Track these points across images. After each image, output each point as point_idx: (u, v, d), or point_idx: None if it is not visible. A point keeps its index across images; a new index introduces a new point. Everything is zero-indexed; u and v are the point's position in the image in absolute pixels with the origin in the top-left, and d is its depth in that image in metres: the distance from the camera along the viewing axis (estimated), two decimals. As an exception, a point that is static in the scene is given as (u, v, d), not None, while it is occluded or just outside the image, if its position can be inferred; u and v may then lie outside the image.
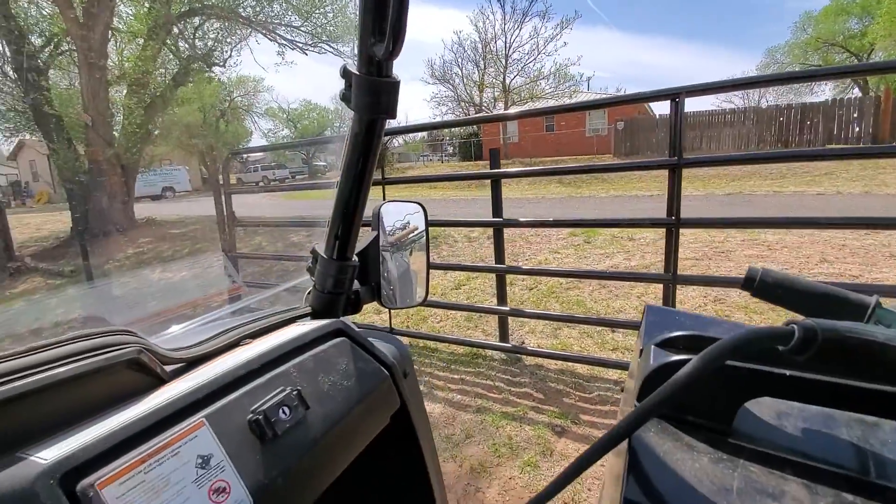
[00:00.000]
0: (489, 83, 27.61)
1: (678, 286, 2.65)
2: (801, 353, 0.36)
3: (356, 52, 0.55)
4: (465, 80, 28.27)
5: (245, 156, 33.22)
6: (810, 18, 25.59)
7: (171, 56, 11.89)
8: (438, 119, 26.10)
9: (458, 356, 3.36)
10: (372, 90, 0.57)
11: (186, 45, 11.83)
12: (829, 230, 5.07)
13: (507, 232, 6.42)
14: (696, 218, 2.58)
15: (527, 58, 26.56)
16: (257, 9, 11.70)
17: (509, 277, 4.62)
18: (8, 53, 9.81)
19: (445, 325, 3.94)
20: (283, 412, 0.50)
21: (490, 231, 6.61)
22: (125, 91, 10.72)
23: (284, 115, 38.38)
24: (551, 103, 23.69)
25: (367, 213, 0.78)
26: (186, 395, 0.46)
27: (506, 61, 26.55)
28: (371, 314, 4.29)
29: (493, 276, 4.86)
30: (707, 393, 0.50)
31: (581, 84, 26.44)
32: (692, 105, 19.58)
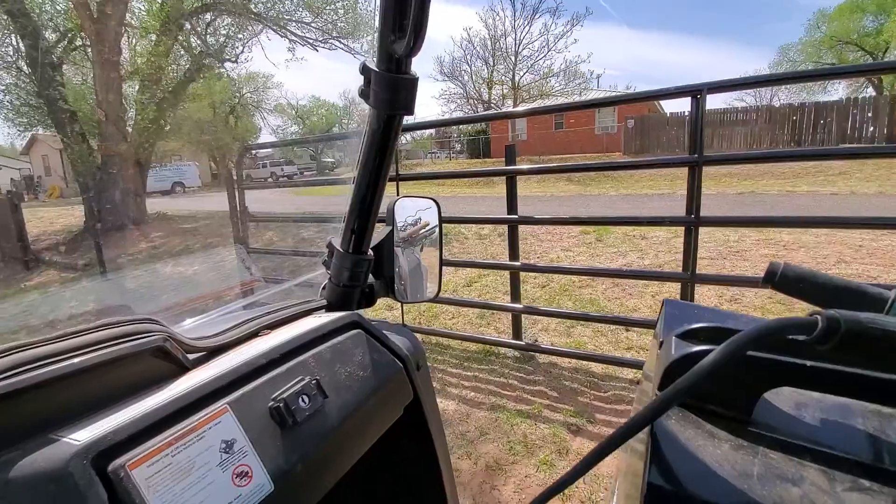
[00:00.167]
0: (498, 80, 27.52)
1: (695, 286, 2.62)
2: (823, 343, 0.37)
3: (375, 48, 0.56)
4: (473, 77, 28.21)
5: (254, 152, 33.40)
6: (824, 16, 25.22)
7: (183, 52, 11.95)
8: (447, 116, 26.05)
9: (471, 353, 3.35)
10: (391, 87, 0.57)
11: (198, 42, 11.89)
12: (844, 230, 5.01)
13: (519, 229, 6.41)
14: (715, 216, 2.56)
15: (537, 55, 26.46)
16: (268, 5, 11.73)
17: (521, 275, 4.61)
18: (23, 49, 9.91)
19: (458, 322, 3.93)
20: (303, 400, 0.51)
21: (500, 228, 6.62)
22: (138, 87, 10.80)
23: (293, 112, 38.53)
24: (561, 101, 23.59)
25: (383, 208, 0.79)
26: (210, 383, 0.47)
27: (515, 58, 26.46)
28: (382, 310, 4.30)
29: (505, 273, 4.86)
30: (728, 382, 0.51)
31: (591, 82, 26.28)
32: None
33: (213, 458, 0.42)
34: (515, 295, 3.26)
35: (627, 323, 3.24)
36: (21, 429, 0.39)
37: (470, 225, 6.88)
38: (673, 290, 3.89)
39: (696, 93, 2.38)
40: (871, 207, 7.50)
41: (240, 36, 12.38)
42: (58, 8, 10.57)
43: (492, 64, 27.27)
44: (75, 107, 9.94)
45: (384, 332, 0.73)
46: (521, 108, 21.18)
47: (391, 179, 3.56)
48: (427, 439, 0.78)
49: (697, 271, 2.53)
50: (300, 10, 11.94)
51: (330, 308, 0.79)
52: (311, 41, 12.29)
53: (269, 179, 26.78)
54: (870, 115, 15.72)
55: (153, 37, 10.54)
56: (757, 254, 4.85)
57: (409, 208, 0.90)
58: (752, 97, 33.76)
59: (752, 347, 0.38)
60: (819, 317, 0.37)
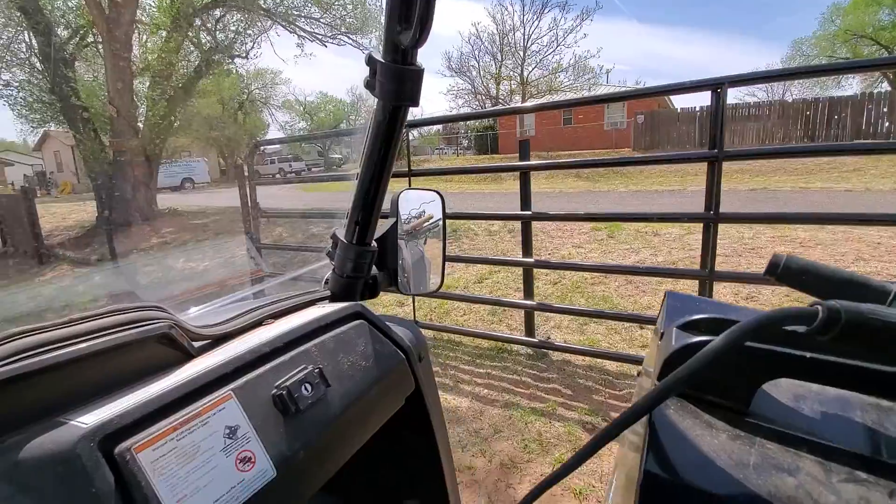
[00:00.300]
0: (506, 76, 27.36)
1: (713, 283, 2.57)
2: (824, 334, 0.37)
3: (381, 39, 0.56)
4: (481, 72, 28.06)
5: (262, 148, 33.50)
6: (839, 10, 24.80)
7: (193, 48, 11.99)
8: (455, 112, 25.96)
9: (484, 350, 3.33)
10: (396, 78, 0.57)
11: (208, 38, 11.91)
12: (861, 227, 4.92)
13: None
14: (735, 213, 2.51)
15: (545, 49, 26.27)
16: (277, 0, 11.72)
17: (533, 272, 4.57)
18: (35, 45, 9.99)
19: (469, 319, 3.91)
20: (306, 389, 0.52)
21: (510, 225, 6.58)
22: (149, 83, 10.85)
23: (301, 108, 38.62)
24: (569, 96, 23.42)
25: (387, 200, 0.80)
26: (215, 369, 0.47)
27: (524, 53, 26.28)
28: (393, 306, 4.29)
29: (516, 269, 4.84)
30: (727, 373, 0.51)
31: (600, 77, 26.06)
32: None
33: (216, 444, 0.42)
34: (528, 292, 3.24)
35: (642, 320, 3.20)
36: (29, 412, 0.39)
37: (479, 221, 6.84)
38: (690, 287, 3.83)
39: (717, 87, 2.33)
40: (887, 204, 7.38)
41: (249, 32, 12.39)
42: (70, 4, 10.65)
43: (500, 59, 27.13)
44: (87, 103, 10.01)
45: (387, 323, 0.73)
46: (529, 103, 21.06)
47: (403, 175, 3.56)
48: (428, 430, 0.78)
49: (700, 268, 2.48)
50: (309, 5, 11.94)
51: (333, 299, 0.79)
52: (319, 37, 12.29)
53: (277, 175, 26.87)
54: (885, 110, 15.43)
55: (163, 33, 10.59)
56: (773, 251, 4.76)
57: (414, 200, 0.90)
58: (763, 92, 33.29)
59: (752, 337, 0.38)
60: (820, 307, 0.37)
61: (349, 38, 12.29)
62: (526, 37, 26.18)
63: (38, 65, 10.30)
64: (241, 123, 30.38)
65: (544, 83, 26.15)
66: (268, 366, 0.51)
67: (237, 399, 0.46)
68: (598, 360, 3.00)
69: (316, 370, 0.54)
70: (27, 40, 10.27)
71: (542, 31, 29.23)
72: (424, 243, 0.93)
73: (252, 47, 12.73)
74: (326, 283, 0.82)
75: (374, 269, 0.83)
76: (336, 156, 36.77)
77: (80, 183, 26.96)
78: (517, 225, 6.49)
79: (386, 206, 0.81)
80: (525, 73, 26.62)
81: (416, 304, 3.81)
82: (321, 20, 12.04)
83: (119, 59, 9.37)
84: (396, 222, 0.85)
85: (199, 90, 12.23)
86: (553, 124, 24.69)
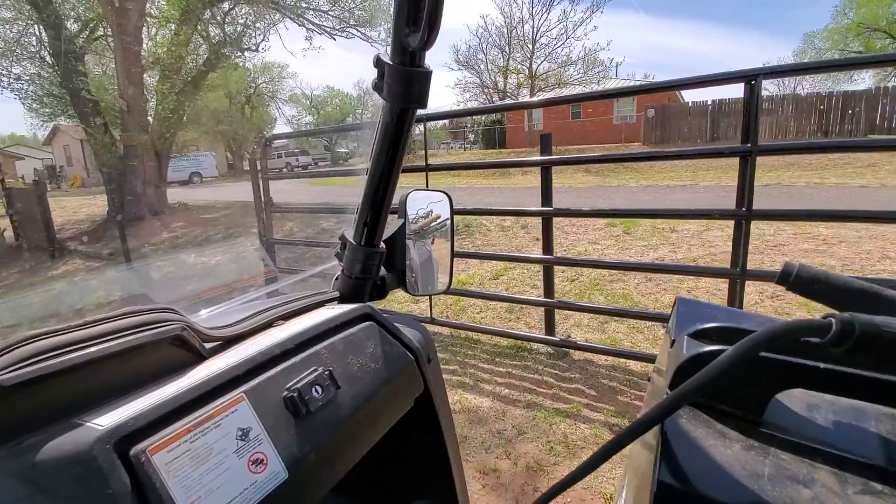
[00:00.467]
0: (514, 69, 27.13)
1: (745, 282, 2.50)
2: (837, 346, 0.37)
3: (389, 41, 0.56)
4: (489, 66, 27.84)
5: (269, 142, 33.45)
6: (852, 3, 24.38)
7: (202, 41, 11.94)
8: (462, 106, 25.79)
9: (502, 348, 3.28)
10: (404, 80, 0.57)
11: (217, 31, 11.86)
12: (885, 224, 4.80)
13: (541, 222, 6.29)
14: (770, 210, 2.43)
15: (555, 42, 25.97)
16: (286, -7, 11.64)
17: (544, 269, 4.50)
18: (46, 39, 9.98)
19: (486, 317, 3.86)
20: (316, 391, 0.52)
21: (523, 220, 6.51)
22: (158, 76, 10.83)
23: (308, 102, 38.57)
24: (579, 90, 23.18)
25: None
26: (227, 371, 0.47)
27: (533, 46, 26.00)
28: (408, 303, 4.24)
29: (531, 266, 4.78)
30: (740, 383, 0.51)
31: (610, 70, 25.78)
32: (724, 92, 18.86)
33: (229, 445, 0.42)
34: (549, 289, 3.17)
35: (665, 319, 3.13)
36: (46, 413, 0.40)
37: (492, 216, 6.78)
38: (712, 285, 3.76)
39: (751, 78, 2.24)
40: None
41: (257, 25, 12.33)
42: (80, -3, 10.62)
43: (508, 52, 26.86)
44: (98, 97, 10.01)
45: (396, 324, 0.73)
46: (540, 97, 20.87)
47: (420, 170, 3.50)
48: (437, 431, 0.79)
49: (730, 266, 2.40)
50: (317, -3, 11.84)
51: (342, 300, 0.79)
52: (328, 29, 12.19)
53: (284, 170, 26.87)
54: (900, 104, 15.16)
55: (173, 26, 10.54)
56: (796, 248, 4.67)
57: (421, 200, 0.89)
58: (775, 86, 32.85)
59: (766, 348, 0.38)
60: (833, 319, 0.37)
61: (358, 31, 12.20)
62: (535, 29, 25.88)
63: (48, 58, 10.30)
64: (249, 117, 30.39)
65: (554, 77, 25.87)
66: (279, 368, 0.52)
67: (249, 401, 0.46)
68: (622, 360, 2.93)
69: (326, 372, 0.54)
70: (38, 34, 10.27)
71: (551, 24, 28.91)
72: (432, 243, 0.93)
73: (263, 40, 12.68)
74: (335, 282, 0.82)
75: (383, 270, 0.83)
76: (342, 150, 36.75)
77: (89, 177, 27.13)
78: (530, 220, 6.45)
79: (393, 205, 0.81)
80: (534, 67, 26.34)
81: (433, 300, 3.76)
82: (330, 13, 11.95)
83: (129, 52, 9.35)
84: (405, 223, 0.84)
85: (209, 84, 12.19)
86: (561, 118, 24.47)
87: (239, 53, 12.45)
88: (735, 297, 2.44)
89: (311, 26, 12.03)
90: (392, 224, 0.84)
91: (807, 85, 29.81)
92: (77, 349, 0.41)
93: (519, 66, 27.09)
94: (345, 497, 0.91)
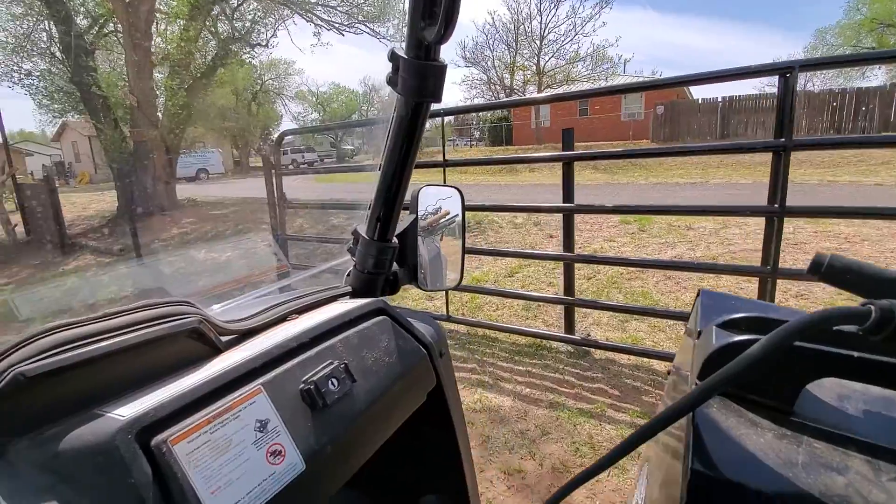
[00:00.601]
0: (521, 65, 26.96)
1: (776, 281, 2.43)
2: (876, 334, 0.36)
3: (399, 36, 0.53)
4: (495, 62, 27.68)
5: (275, 139, 33.50)
6: (865, -1, 24.07)
7: (211, 37, 11.92)
8: (468, 103, 25.70)
9: (521, 347, 3.23)
10: (419, 74, 0.57)
11: (226, 27, 11.84)
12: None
13: (556, 219, 6.22)
14: (806, 206, 2.36)
15: (563, 38, 25.78)
16: (295, -12, 11.58)
17: (562, 266, 4.44)
18: (56, 34, 9.99)
19: (503, 314, 3.81)
20: (332, 384, 0.52)
21: (535, 217, 6.44)
22: (168, 72, 10.82)
23: (314, 99, 38.57)
24: (586, 86, 23.02)
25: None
26: (244, 364, 0.47)
27: (540, 42, 25.82)
28: (423, 300, 4.20)
29: (546, 263, 4.72)
30: (771, 372, 0.51)
31: (618, 66, 25.58)
32: (734, 89, 18.65)
33: (248, 437, 0.43)
34: (569, 287, 3.12)
35: (687, 317, 3.07)
36: (67, 404, 0.40)
37: (503, 213, 6.72)
38: (729, 284, 3.69)
39: (787, 71, 2.17)
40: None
41: (266, 21, 12.29)
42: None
43: (515, 48, 26.69)
44: (108, 93, 10.01)
45: (409, 319, 0.73)
46: (549, 92, 20.74)
47: (437, 165, 3.45)
48: (448, 426, 0.79)
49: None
50: (327, -7, 11.78)
51: (355, 295, 0.79)
52: (336, 25, 12.13)
53: (290, 166, 26.88)
54: (915, 101, 14.96)
55: (182, 22, 10.53)
56: (818, 246, 4.59)
57: (432, 196, 0.90)
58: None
59: (802, 337, 0.37)
60: (872, 306, 0.36)
61: (367, 26, 12.13)
62: (543, 25, 25.70)
63: (58, 54, 10.31)
64: (255, 114, 30.43)
65: (561, 73, 25.69)
66: (295, 360, 0.52)
67: (266, 393, 0.46)
68: (644, 360, 2.88)
69: (342, 365, 0.54)
70: (48, 29, 10.27)
71: (559, 20, 28.71)
72: (441, 239, 0.94)
73: (274, 35, 12.64)
74: (348, 278, 0.83)
75: (395, 266, 0.83)
76: (348, 147, 36.71)
77: (97, 173, 27.26)
78: (542, 218, 6.38)
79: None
80: (541, 63, 26.16)
81: (449, 297, 3.71)
82: (339, 8, 11.89)
83: (139, 48, 9.34)
84: (416, 218, 0.85)
85: (217, 80, 12.17)
86: (568, 115, 24.32)
87: (248, 49, 12.41)
88: (766, 296, 2.38)
89: (319, 22, 11.98)
90: (403, 219, 0.83)
91: (817, 82, 29.48)
92: (96, 341, 0.42)
93: (526, 63, 26.93)
94: (356, 491, 0.91)
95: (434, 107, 0.68)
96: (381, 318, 0.67)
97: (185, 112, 10.48)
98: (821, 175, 10.93)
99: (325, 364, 0.53)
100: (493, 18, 36.52)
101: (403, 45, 0.57)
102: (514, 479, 2.05)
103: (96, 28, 10.82)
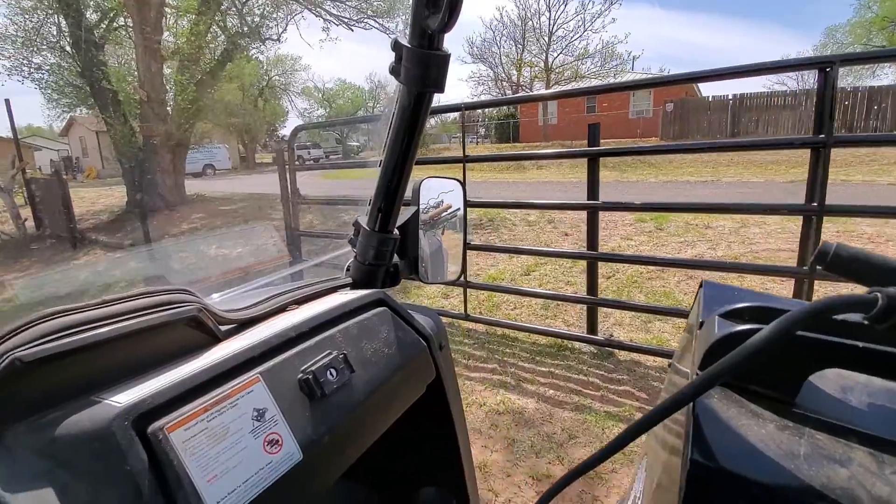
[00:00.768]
0: (529, 62, 26.79)
1: (814, 282, 2.36)
2: (882, 322, 0.36)
3: (408, 23, 0.55)
4: (503, 59, 27.53)
5: (281, 135, 33.52)
6: (877, -3, 23.80)
7: (220, 32, 11.88)
8: (475, 100, 25.55)
9: (542, 347, 3.17)
10: (422, 63, 0.56)
11: (236, 22, 11.79)
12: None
13: (569, 217, 6.15)
14: (846, 205, 2.28)
15: (572, 34, 25.60)
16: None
17: (579, 264, 4.37)
18: (65, 28, 9.96)
19: (521, 313, 3.74)
20: (331, 374, 0.52)
21: (549, 215, 6.37)
22: (177, 67, 10.79)
23: (320, 95, 38.53)
24: (595, 83, 22.84)
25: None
26: (242, 353, 0.47)
27: (549, 39, 25.65)
28: (438, 298, 4.15)
29: (564, 261, 4.65)
30: (773, 362, 0.50)
31: (627, 63, 25.39)
32: (745, 86, 18.50)
33: (245, 425, 0.42)
34: (592, 286, 3.05)
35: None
36: (65, 390, 0.40)
37: (515, 210, 6.64)
38: (754, 284, 3.61)
39: (827, 65, 2.10)
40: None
41: (275, 16, 12.22)
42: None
43: (522, 45, 26.53)
44: (118, 87, 9.99)
45: (409, 311, 0.72)
46: (557, 88, 20.60)
47: (457, 161, 3.39)
48: (447, 418, 0.79)
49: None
50: (335, -12, 11.69)
51: (355, 286, 0.79)
52: (345, 20, 12.06)
53: (297, 162, 26.85)
54: (929, 99, 14.73)
55: (192, 16, 10.48)
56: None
57: (434, 189, 0.89)
58: (794, 80, 32.17)
59: (806, 326, 0.36)
60: (879, 294, 0.36)
61: (376, 21, 12.06)
62: (552, 21, 25.52)
63: (68, 48, 10.29)
64: (261, 110, 30.42)
65: (570, 70, 25.52)
66: (294, 350, 0.51)
67: (264, 382, 0.46)
68: (671, 362, 2.81)
69: (340, 356, 0.54)
70: (58, 23, 10.25)
71: (568, 16, 28.51)
72: (442, 232, 0.93)
73: (285, 29, 12.58)
74: (348, 270, 0.82)
75: (396, 258, 0.83)
76: (353, 143, 36.66)
77: (104, 168, 27.34)
78: (556, 215, 6.31)
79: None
80: (549, 60, 25.99)
81: (468, 296, 3.65)
82: (348, 3, 11.81)
83: (149, 42, 9.31)
84: (418, 210, 0.84)
85: (226, 75, 12.13)
86: (576, 112, 24.17)
87: (259, 44, 12.35)
88: (802, 298, 2.31)
89: (328, 17, 11.91)
90: (405, 212, 0.83)
91: (828, 80, 29.12)
92: (94, 327, 0.41)
93: (534, 59, 26.77)
94: (354, 482, 0.92)
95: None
96: (380, 309, 0.67)
97: (194, 107, 10.45)
98: (833, 175, 10.76)
99: (323, 354, 0.53)
100: (500, 14, 36.28)
101: (407, 33, 0.56)
102: (543, 485, 1.99)
103: (106, 22, 10.79)
